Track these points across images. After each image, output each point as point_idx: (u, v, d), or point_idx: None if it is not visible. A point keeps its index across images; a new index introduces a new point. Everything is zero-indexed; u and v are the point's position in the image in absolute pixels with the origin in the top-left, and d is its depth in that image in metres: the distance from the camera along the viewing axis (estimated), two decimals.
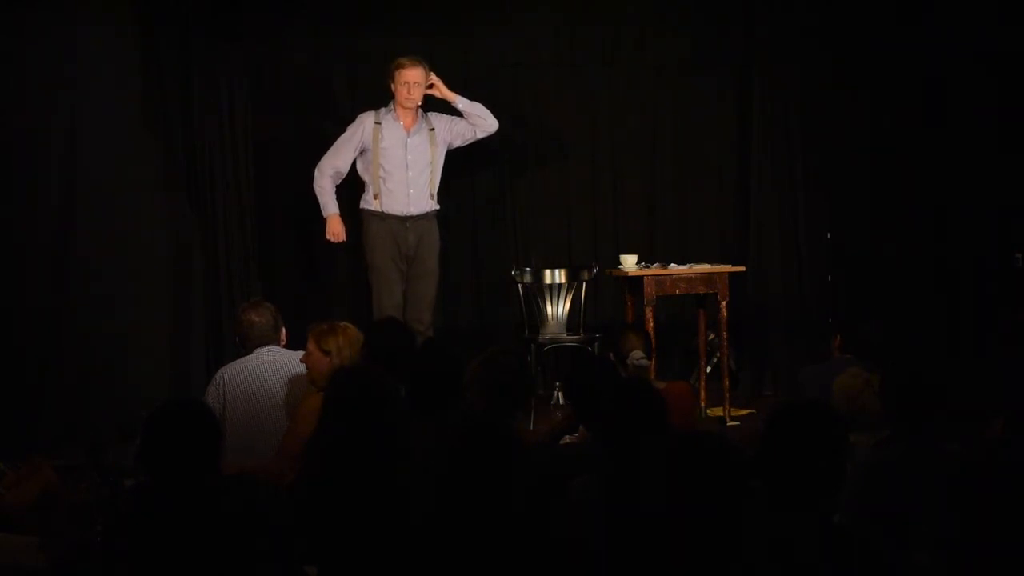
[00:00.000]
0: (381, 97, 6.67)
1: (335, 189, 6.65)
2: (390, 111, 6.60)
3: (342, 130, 6.67)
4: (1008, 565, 2.98)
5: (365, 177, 6.61)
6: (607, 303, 7.56)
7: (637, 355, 5.79)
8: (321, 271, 7.46)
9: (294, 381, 4.79)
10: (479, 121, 6.72)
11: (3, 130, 6.04)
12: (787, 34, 7.52)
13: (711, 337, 7.05)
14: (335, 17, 7.33)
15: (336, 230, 6.61)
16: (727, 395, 6.65)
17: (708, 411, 6.73)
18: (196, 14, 6.89)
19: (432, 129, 6.66)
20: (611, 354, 5.55)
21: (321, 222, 6.94)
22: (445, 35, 7.43)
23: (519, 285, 7.13)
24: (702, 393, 6.79)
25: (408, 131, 6.59)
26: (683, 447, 2.81)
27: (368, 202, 6.58)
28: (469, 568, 2.81)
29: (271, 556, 3.05)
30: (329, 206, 6.61)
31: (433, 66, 6.69)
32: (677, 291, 6.56)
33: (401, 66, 6.52)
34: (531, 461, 3.05)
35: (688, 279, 6.54)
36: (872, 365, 4.81)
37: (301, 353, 4.87)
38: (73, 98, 6.17)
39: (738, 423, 6.51)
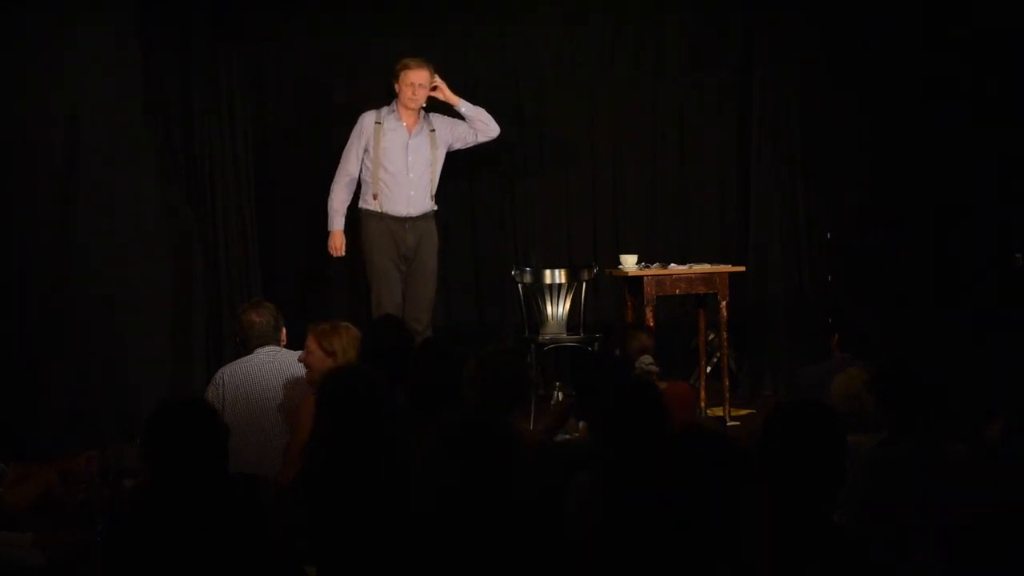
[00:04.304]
0: (381, 97, 6.67)
1: (349, 198, 6.61)
2: (392, 111, 6.59)
3: (342, 130, 6.67)
4: (1008, 565, 2.98)
5: (365, 177, 6.61)
6: (607, 303, 7.56)
7: (647, 360, 5.81)
8: (321, 271, 7.46)
9: (294, 382, 4.78)
10: (481, 126, 6.70)
11: (3, 130, 6.04)
12: (787, 34, 7.52)
13: (711, 337, 7.06)
14: (335, 17, 7.34)
15: (336, 244, 6.60)
16: (727, 395, 6.66)
17: (708, 411, 6.74)
18: (196, 14, 6.90)
19: (433, 130, 6.65)
20: (617, 351, 5.56)
21: (321, 223, 6.95)
22: (445, 35, 7.44)
23: (519, 285, 7.13)
24: (702, 393, 6.79)
25: (410, 132, 6.58)
26: (682, 443, 2.81)
27: (367, 202, 6.58)
28: (469, 567, 2.82)
29: (271, 556, 3.05)
30: (335, 222, 6.60)
31: (433, 66, 6.68)
32: (677, 291, 6.57)
33: (407, 67, 6.51)
34: (530, 460, 3.05)
35: (688, 279, 6.55)
36: (871, 365, 4.82)
37: (301, 353, 4.87)
38: (73, 98, 6.16)
39: (738, 423, 6.52)
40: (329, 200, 6.60)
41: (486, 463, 2.89)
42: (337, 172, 6.59)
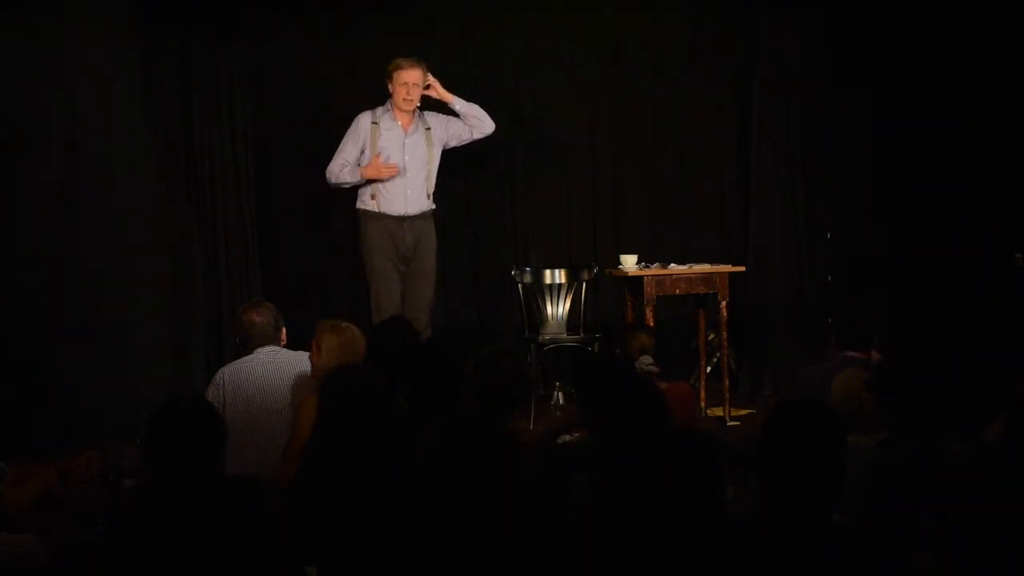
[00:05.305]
0: (381, 96, 6.67)
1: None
2: (388, 111, 6.59)
3: (342, 130, 6.67)
4: (1008, 565, 2.98)
5: None
6: (607, 303, 7.57)
7: (647, 360, 5.81)
8: (321, 271, 7.47)
9: (294, 382, 4.78)
10: (476, 123, 6.70)
11: (3, 131, 6.04)
12: (787, 34, 7.52)
13: (711, 337, 7.06)
14: (335, 17, 7.34)
15: (376, 165, 6.43)
16: (727, 395, 6.66)
17: (708, 411, 6.74)
18: (196, 14, 6.90)
19: (428, 128, 6.66)
20: (617, 350, 5.56)
21: (321, 223, 6.99)
22: (445, 35, 7.44)
23: (519, 285, 7.13)
24: (702, 393, 6.80)
25: (406, 131, 6.59)
26: (680, 444, 2.81)
27: (365, 202, 6.58)
28: (468, 568, 2.82)
29: (271, 556, 3.05)
30: (356, 173, 6.50)
31: (433, 66, 6.68)
32: (677, 291, 6.57)
33: (400, 67, 6.51)
34: (528, 460, 3.05)
35: (688, 279, 6.55)
36: (869, 364, 4.82)
37: (301, 353, 4.89)
38: (73, 98, 6.16)
39: (738, 423, 6.52)
40: (334, 180, 6.54)
41: (486, 463, 2.89)
42: (331, 163, 6.55)
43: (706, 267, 6.67)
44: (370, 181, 6.51)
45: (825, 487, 2.75)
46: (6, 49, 6.04)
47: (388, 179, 6.47)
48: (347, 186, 6.57)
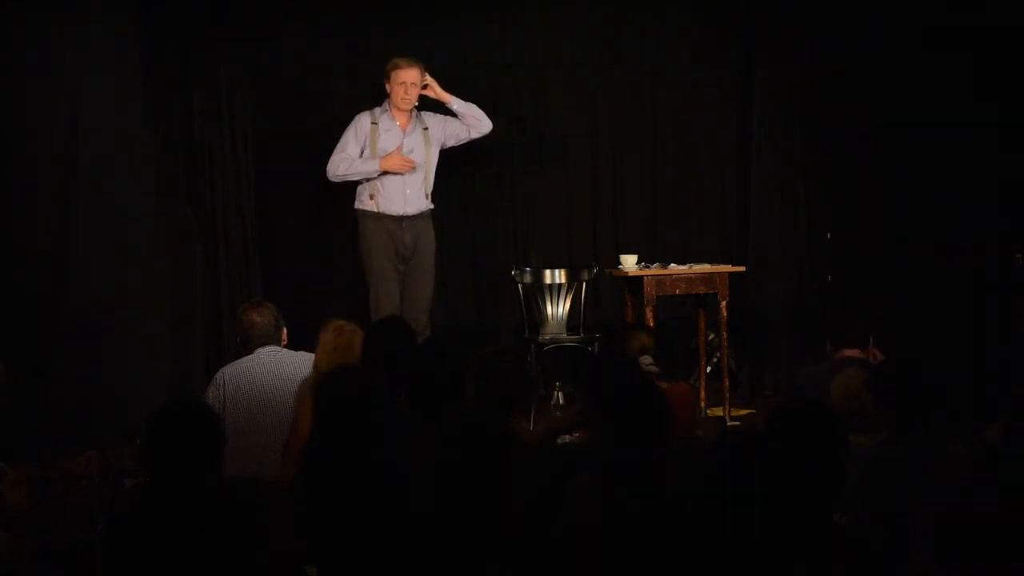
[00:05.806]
0: (380, 96, 6.67)
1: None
2: (386, 111, 6.59)
3: (341, 130, 6.67)
4: (1008, 566, 2.98)
5: (362, 178, 6.60)
6: (607, 303, 7.57)
7: (647, 360, 5.81)
8: (321, 271, 7.47)
9: (295, 382, 4.78)
10: (473, 122, 6.70)
11: (3, 131, 6.04)
12: (787, 34, 7.53)
13: (711, 337, 7.06)
14: (335, 17, 7.34)
15: (395, 158, 6.46)
16: (727, 395, 6.66)
17: (708, 411, 6.74)
18: (196, 14, 6.90)
19: (426, 128, 6.66)
20: (617, 350, 5.56)
21: (321, 223, 6.97)
22: (445, 35, 7.44)
23: (519, 285, 7.13)
24: (702, 393, 6.80)
25: (404, 131, 6.59)
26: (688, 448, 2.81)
27: (364, 203, 6.58)
28: (469, 568, 2.82)
29: (271, 556, 3.05)
30: (369, 162, 6.50)
31: (432, 66, 6.68)
32: (677, 291, 6.57)
33: (397, 67, 6.51)
34: (528, 460, 3.05)
35: (688, 279, 6.55)
36: (869, 364, 4.82)
37: (302, 353, 4.89)
38: (73, 99, 6.16)
39: (738, 423, 6.52)
40: (340, 173, 6.52)
41: (486, 463, 2.89)
42: (332, 159, 6.55)
43: (706, 267, 6.67)
44: (377, 175, 6.50)
45: (825, 487, 2.75)
46: (6, 49, 6.04)
47: (407, 172, 6.48)
48: (355, 178, 6.55)
